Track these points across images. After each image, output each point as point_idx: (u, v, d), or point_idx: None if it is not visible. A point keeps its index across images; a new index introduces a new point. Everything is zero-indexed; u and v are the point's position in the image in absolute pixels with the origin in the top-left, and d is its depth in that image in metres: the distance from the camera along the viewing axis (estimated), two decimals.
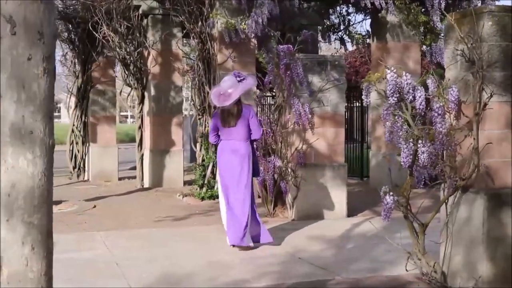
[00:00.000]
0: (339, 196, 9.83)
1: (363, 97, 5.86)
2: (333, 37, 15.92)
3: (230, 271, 6.49)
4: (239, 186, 7.50)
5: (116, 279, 6.14)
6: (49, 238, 2.83)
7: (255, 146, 8.12)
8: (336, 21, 16.14)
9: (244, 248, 7.46)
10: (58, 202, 11.69)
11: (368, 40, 16.07)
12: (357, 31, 16.57)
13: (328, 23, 15.87)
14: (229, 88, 7.41)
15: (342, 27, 16.07)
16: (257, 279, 6.10)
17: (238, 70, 9.83)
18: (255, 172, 7.86)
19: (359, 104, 16.73)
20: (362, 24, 39.48)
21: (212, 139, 7.82)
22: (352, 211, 10.03)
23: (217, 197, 11.29)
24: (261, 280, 6.05)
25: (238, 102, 7.54)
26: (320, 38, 15.37)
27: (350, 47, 17.78)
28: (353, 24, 17.26)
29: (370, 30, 14.73)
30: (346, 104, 13.82)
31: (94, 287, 5.88)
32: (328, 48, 21.68)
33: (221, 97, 7.41)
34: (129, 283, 5.96)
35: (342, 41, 16.09)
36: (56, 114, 65.56)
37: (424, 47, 13.71)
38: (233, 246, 7.52)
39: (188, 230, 9.04)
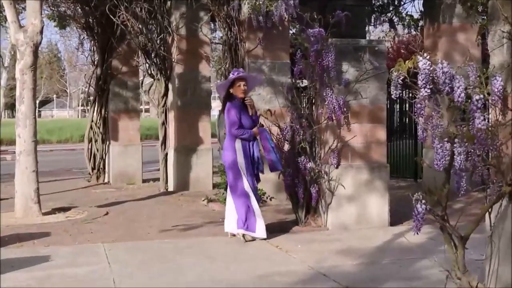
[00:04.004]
0: (380, 201, 9.54)
1: (391, 89, 5.53)
2: (381, 19, 15.55)
3: None
4: None
5: None
6: None
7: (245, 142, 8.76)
8: (386, 0, 15.77)
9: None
10: (67, 209, 11.65)
11: (420, 23, 15.67)
12: (407, 11, 16.17)
13: (377, 2, 15.51)
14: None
15: (391, 8, 15.68)
16: None
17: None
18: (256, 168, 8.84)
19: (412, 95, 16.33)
20: (413, 4, 38.85)
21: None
22: (396, 219, 9.72)
23: None
24: None
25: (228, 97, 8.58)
26: (367, 20, 15.05)
27: (401, 30, 17.37)
28: (404, 3, 16.76)
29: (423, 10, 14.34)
30: (398, 95, 13.45)
31: None
32: (377, 34, 21.33)
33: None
34: None
35: (391, 23, 15.71)
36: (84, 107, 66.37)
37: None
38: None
39: (203, 241, 8.87)
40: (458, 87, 5.20)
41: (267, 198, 11.39)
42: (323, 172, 9.53)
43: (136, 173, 16.82)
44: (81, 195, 14.13)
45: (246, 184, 8.66)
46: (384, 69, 9.55)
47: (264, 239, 8.67)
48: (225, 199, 11.72)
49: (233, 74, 8.94)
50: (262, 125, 9.00)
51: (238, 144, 8.73)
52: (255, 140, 8.82)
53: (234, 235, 8.92)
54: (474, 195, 10.81)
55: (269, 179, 10.73)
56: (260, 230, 8.72)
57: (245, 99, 8.83)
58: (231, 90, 8.89)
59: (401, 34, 20.80)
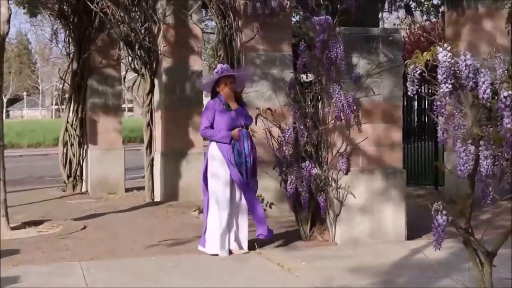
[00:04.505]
0: (395, 212, 9.56)
1: (408, 85, 5.56)
2: (396, 4, 15.59)
3: None
4: None
5: None
6: None
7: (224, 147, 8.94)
8: None
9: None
10: (39, 223, 11.65)
11: (441, 9, 15.71)
12: None
13: None
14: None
15: None
16: None
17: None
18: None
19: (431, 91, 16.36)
20: None
21: None
22: (414, 232, 9.75)
23: None
24: None
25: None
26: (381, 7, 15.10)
27: (419, 17, 17.41)
28: None
29: None
30: (415, 91, 13.46)
31: None
32: (392, 21, 21.38)
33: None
34: None
35: (408, 9, 15.74)
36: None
37: None
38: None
39: (194, 258, 8.88)
40: (484, 82, 5.22)
41: (266, 205, 11.42)
42: (330, 179, 9.54)
43: (118, 181, 16.79)
44: (55, 207, 14.11)
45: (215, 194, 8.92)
46: (400, 62, 9.57)
47: (215, 254, 8.86)
48: None
49: (217, 72, 9.09)
50: (246, 127, 9.02)
51: (215, 149, 8.95)
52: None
53: (231, 252, 8.97)
54: (502, 205, 10.83)
55: (270, 187, 10.74)
56: (210, 245, 8.96)
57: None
58: (217, 89, 9.01)
59: (419, 21, 20.84)
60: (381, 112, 9.58)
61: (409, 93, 5.55)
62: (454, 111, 5.31)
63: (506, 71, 5.31)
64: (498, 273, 5.29)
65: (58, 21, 17.25)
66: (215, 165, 8.94)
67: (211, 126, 8.97)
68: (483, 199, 5.36)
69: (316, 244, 9.50)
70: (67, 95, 17.65)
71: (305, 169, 9.45)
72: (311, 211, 9.71)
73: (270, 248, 9.14)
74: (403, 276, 7.64)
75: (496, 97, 5.18)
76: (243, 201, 8.97)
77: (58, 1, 16.60)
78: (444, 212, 5.17)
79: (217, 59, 12.68)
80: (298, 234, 9.81)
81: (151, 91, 14.89)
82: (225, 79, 8.97)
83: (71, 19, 16.67)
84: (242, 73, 9.75)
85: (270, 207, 11.46)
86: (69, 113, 17.21)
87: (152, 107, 14.94)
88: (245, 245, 9.01)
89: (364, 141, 9.45)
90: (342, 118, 9.30)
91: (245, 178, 8.86)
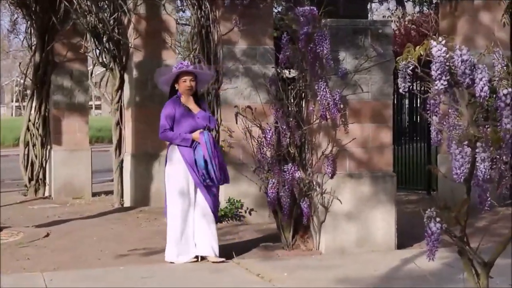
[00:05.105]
0: (385, 219, 9.59)
1: (399, 81, 5.57)
2: None
3: None
4: None
5: None
6: None
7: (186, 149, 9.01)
8: None
9: None
10: None
11: None
12: None
13: None
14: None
15: None
16: None
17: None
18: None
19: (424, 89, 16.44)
20: None
21: None
22: (405, 241, 9.80)
23: (221, 219, 11.30)
24: None
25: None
26: None
27: (411, 8, 17.48)
28: None
29: None
30: (407, 88, 13.50)
31: None
32: (382, 13, 21.45)
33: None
34: None
35: (399, 0, 15.81)
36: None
37: None
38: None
39: (167, 268, 8.88)
40: (481, 79, 5.25)
41: (245, 211, 11.41)
42: (315, 183, 9.55)
43: (84, 185, 16.79)
44: (15, 213, 14.06)
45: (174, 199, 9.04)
46: (390, 57, 9.59)
47: (172, 262, 9.00)
48: None
49: (176, 67, 9.16)
50: (208, 128, 9.05)
51: (175, 152, 9.01)
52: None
53: (203, 257, 9.02)
54: (501, 211, 10.87)
55: (250, 192, 10.74)
56: (167, 253, 9.12)
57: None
58: (176, 86, 9.07)
59: (411, 13, 20.90)
60: (370, 111, 9.58)
61: (400, 90, 5.56)
62: (449, 110, 5.33)
63: (505, 67, 5.33)
64: (495, 285, 5.31)
65: (19, 10, 17.18)
66: (174, 169, 9.01)
67: (171, 129, 9.00)
68: (480, 205, 5.38)
69: (299, 253, 9.49)
70: (28, 91, 17.60)
71: (287, 172, 9.44)
72: (294, 218, 9.70)
73: (249, 258, 9.14)
74: None
75: (494, 95, 5.21)
76: (206, 205, 9.00)
77: None
78: (437, 219, 5.19)
79: (192, 53, 12.67)
80: (280, 243, 9.80)
81: (120, 87, 14.88)
82: (185, 75, 9.00)
83: (33, 8, 16.59)
84: (204, 72, 9.70)
85: (250, 214, 11.47)
86: (31, 110, 17.18)
87: (122, 104, 14.93)
88: (216, 251, 9.01)
89: (351, 143, 9.46)
90: (328, 117, 9.29)
91: (216, 182, 8.96)
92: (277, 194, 9.54)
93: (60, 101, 16.85)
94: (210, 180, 8.91)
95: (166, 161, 9.17)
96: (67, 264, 9.15)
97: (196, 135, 8.89)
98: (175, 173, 8.98)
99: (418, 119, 17.18)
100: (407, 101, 17.16)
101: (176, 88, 9.07)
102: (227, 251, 9.13)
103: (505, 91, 5.15)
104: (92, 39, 14.92)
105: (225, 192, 11.38)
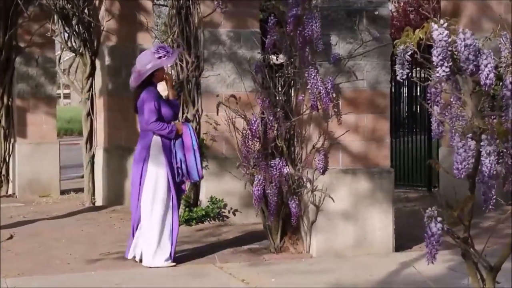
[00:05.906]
0: (382, 219, 9.61)
1: (397, 68, 5.60)
2: None
3: None
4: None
5: None
6: None
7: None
8: None
9: None
10: None
11: None
12: None
13: None
14: (142, 67, 9.03)
15: None
16: None
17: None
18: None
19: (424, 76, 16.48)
20: None
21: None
22: (404, 242, 9.84)
23: (203, 218, 11.35)
24: None
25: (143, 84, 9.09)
26: None
27: None
28: None
29: None
30: (406, 75, 13.51)
31: None
32: None
33: (132, 77, 9.19)
34: None
35: None
36: None
37: None
38: None
39: (143, 273, 8.90)
40: (486, 66, 5.27)
41: (229, 212, 11.42)
42: (305, 180, 9.57)
43: (52, 182, 16.83)
44: None
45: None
46: (387, 41, 9.61)
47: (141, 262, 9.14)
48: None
49: (154, 51, 9.20)
50: (188, 120, 9.14)
51: (159, 149, 9.06)
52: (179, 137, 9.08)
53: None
54: (508, 210, 10.91)
55: (234, 190, 10.76)
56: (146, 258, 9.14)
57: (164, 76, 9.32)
58: (155, 75, 9.26)
59: None
60: (365, 101, 9.60)
61: (398, 78, 5.58)
62: (452, 100, 5.35)
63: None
64: None
65: None
66: (161, 173, 9.06)
67: (158, 119, 9.03)
68: (484, 204, 5.42)
69: (287, 257, 9.51)
70: None
71: (274, 167, 9.44)
72: (282, 218, 9.73)
73: (233, 261, 9.16)
74: None
75: (500, 83, 5.23)
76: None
77: None
78: (439, 219, 5.21)
79: (170, 37, 12.67)
80: (267, 245, 9.83)
81: (91, 74, 14.93)
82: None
83: None
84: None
85: (234, 214, 11.49)
86: None
87: (93, 93, 14.98)
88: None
89: (344, 135, 9.47)
90: (319, 107, 9.30)
91: (198, 176, 9.18)
92: (264, 191, 9.55)
93: (24, 90, 16.86)
94: (182, 176, 9.03)
95: (146, 157, 9.10)
96: (33, 270, 9.13)
97: (179, 126, 8.93)
98: (162, 178, 9.03)
99: (418, 109, 17.23)
100: (405, 90, 17.20)
101: (152, 80, 9.11)
102: (209, 254, 9.15)
103: (510, 79, 5.18)
104: (60, 22, 14.94)
105: (206, 190, 11.41)
